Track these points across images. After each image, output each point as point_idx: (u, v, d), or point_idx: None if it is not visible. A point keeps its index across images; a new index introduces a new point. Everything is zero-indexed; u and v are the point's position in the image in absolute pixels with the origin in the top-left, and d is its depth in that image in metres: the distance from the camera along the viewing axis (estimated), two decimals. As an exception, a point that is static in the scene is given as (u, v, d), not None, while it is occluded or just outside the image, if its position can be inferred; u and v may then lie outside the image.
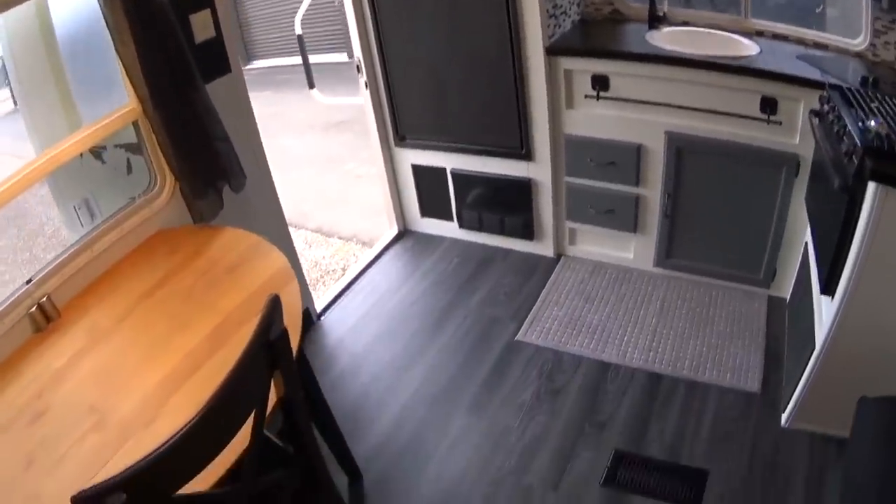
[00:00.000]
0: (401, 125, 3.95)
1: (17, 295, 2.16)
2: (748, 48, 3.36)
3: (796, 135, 3.06)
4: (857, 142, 2.20)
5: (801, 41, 3.54)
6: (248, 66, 9.96)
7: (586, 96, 3.43)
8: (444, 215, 4.18)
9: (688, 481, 2.63)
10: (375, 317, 3.71)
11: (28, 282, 2.22)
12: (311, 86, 4.02)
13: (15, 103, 2.85)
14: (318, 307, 3.78)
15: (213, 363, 1.76)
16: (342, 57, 7.62)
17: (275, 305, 1.52)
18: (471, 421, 2.99)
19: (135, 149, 2.67)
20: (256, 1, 10.38)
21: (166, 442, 1.26)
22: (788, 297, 3.41)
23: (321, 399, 2.54)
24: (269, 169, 3.20)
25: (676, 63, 3.20)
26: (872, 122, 2.30)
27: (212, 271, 2.32)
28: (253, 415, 1.51)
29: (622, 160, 3.50)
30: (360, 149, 4.06)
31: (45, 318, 2.18)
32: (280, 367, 1.58)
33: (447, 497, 2.70)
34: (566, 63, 3.40)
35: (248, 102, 3.02)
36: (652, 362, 3.20)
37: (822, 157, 2.58)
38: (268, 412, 1.59)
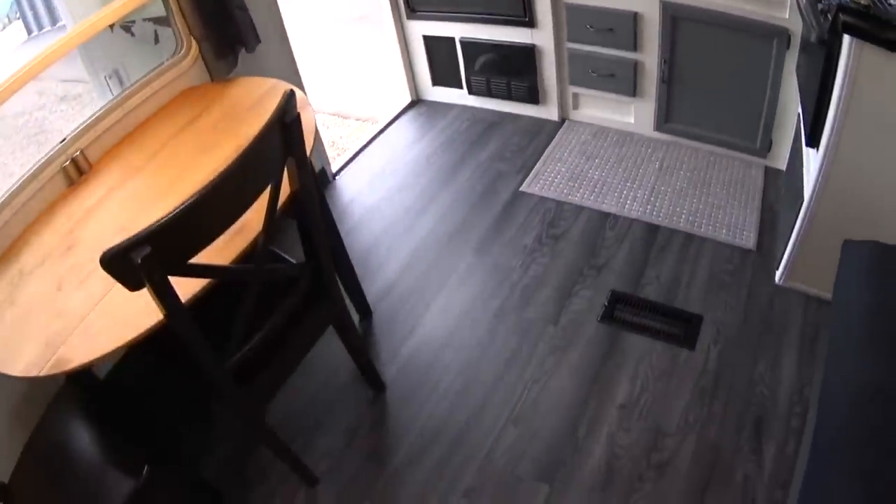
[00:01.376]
0: (410, -2, 4.02)
1: (52, 153, 2.29)
2: None
3: (786, 10, 3.05)
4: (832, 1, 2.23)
5: None
6: None
7: (586, -41, 3.45)
8: (455, 83, 4.26)
9: (682, 323, 2.76)
10: (391, 173, 3.86)
11: (62, 141, 2.33)
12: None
13: (28, 32, 2.90)
14: (334, 168, 3.92)
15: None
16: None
17: (290, 97, 1.61)
18: (477, 261, 3.16)
19: (161, 21, 2.76)
20: None
21: (189, 199, 1.39)
22: (785, 167, 3.45)
23: (336, 235, 2.71)
24: (286, 33, 3.28)
25: None
26: None
27: (234, 109, 2.46)
28: (269, 190, 1.65)
29: (620, 27, 3.54)
30: (379, 41, 4.10)
31: (77, 171, 2.32)
32: (293, 154, 1.70)
33: (452, 328, 2.88)
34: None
35: None
36: (650, 214, 3.32)
37: (807, 22, 2.59)
38: (282, 200, 1.73)
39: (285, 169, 1.72)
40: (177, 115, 2.53)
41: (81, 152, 2.33)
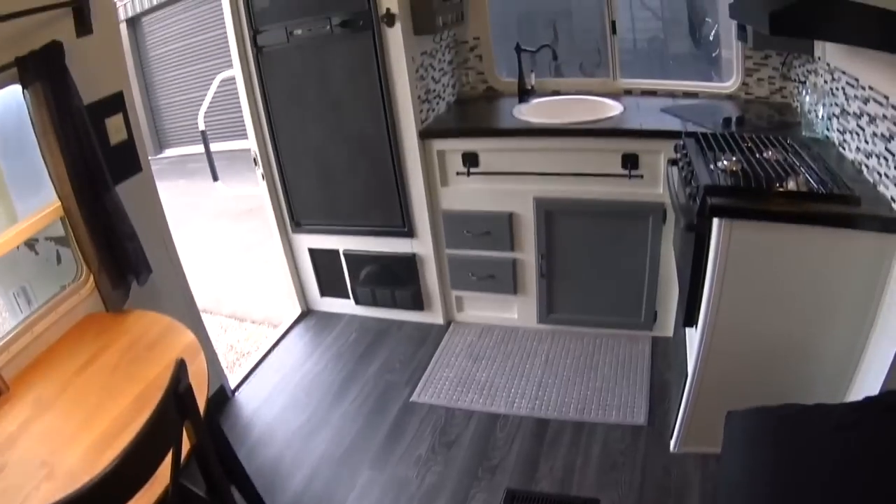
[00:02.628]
0: (296, 212, 4.06)
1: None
2: (612, 109, 3.57)
3: (660, 185, 3.24)
4: (701, 182, 2.33)
5: (671, 93, 3.82)
6: (160, 155, 9.86)
7: (458, 173, 3.60)
8: (342, 293, 4.26)
9: (579, 509, 2.69)
10: (285, 391, 3.72)
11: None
12: (215, 178, 4.10)
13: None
14: (233, 384, 3.79)
15: (138, 422, 1.87)
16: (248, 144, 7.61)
17: (181, 366, 1.72)
18: (373, 475, 3.01)
19: (62, 241, 2.75)
20: (167, 90, 10.38)
21: (93, 479, 1.41)
22: (672, 334, 3.52)
23: (235, 460, 2.67)
24: (179, 260, 3.26)
25: (537, 134, 3.40)
26: (724, 162, 2.46)
27: (133, 349, 2.43)
28: (170, 455, 1.69)
29: (496, 229, 3.66)
30: (268, 235, 4.18)
31: (-4, 391, 2.25)
32: (189, 417, 1.77)
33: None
34: (438, 144, 3.57)
35: (158, 198, 3.10)
36: (539, 409, 3.28)
37: (675, 204, 2.69)
38: (183, 458, 1.76)
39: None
40: (81, 344, 2.52)
41: (-1, 374, 2.28)
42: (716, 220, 2.27)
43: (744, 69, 3.58)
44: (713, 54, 3.96)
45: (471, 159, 3.55)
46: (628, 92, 3.96)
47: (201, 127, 4.04)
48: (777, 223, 2.21)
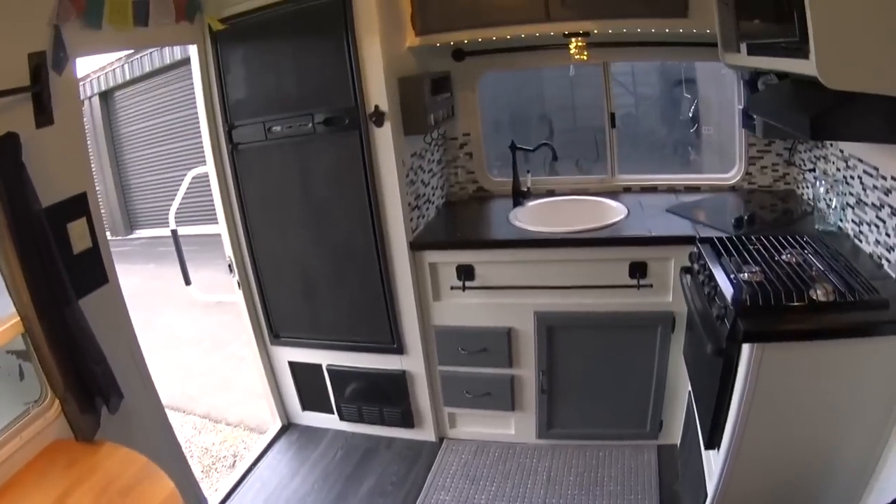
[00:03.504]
0: (275, 324, 3.64)
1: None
2: (615, 213, 3.29)
3: (669, 293, 2.98)
4: (729, 302, 2.11)
5: (672, 189, 3.58)
6: (131, 236, 9.45)
7: (452, 287, 3.23)
8: (325, 408, 3.81)
9: None
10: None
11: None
12: (188, 282, 3.68)
13: None
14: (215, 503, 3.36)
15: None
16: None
17: None
18: None
19: (24, 355, 2.41)
20: (139, 169, 10.00)
21: None
22: (679, 442, 3.23)
23: None
24: (153, 383, 2.87)
25: (538, 245, 3.09)
26: (745, 274, 2.23)
27: (106, 493, 2.10)
28: None
29: (494, 345, 3.28)
30: (241, 330, 3.82)
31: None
32: None
33: None
34: (430, 256, 3.21)
35: (126, 313, 2.72)
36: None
37: (694, 317, 2.50)
38: None
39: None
40: (49, 476, 2.19)
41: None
42: (746, 346, 2.04)
43: (747, 158, 3.40)
44: (691, 130, 3.84)
45: (466, 272, 3.18)
46: (628, 189, 3.69)
47: (172, 226, 3.63)
48: (810, 341, 2.04)
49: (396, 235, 3.16)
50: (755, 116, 2.94)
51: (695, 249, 2.65)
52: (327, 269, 3.36)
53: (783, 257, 2.38)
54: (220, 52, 3.25)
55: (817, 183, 2.87)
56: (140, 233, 9.18)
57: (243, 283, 3.58)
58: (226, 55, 3.24)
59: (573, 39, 3.28)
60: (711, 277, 2.34)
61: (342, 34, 2.95)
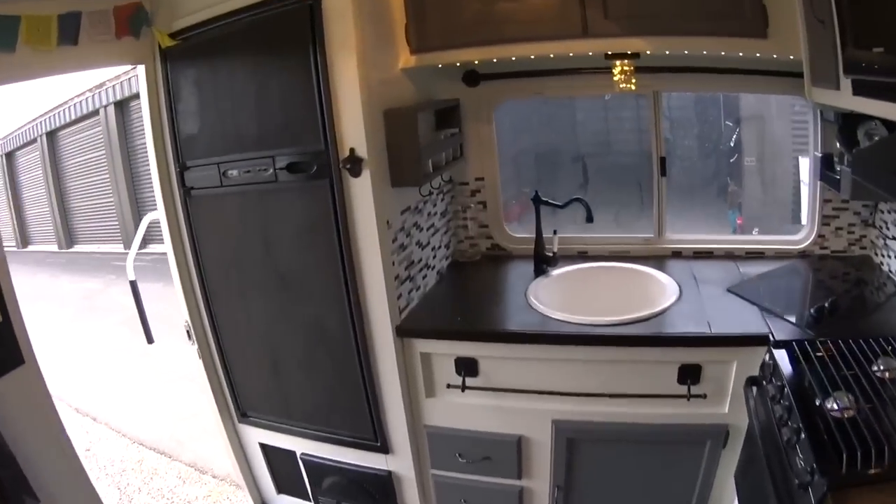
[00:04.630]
0: (241, 401, 2.91)
1: None
2: (663, 292, 2.51)
3: (725, 403, 2.23)
4: (815, 467, 1.50)
5: (730, 255, 2.86)
6: (145, 250, 9.21)
7: (449, 385, 2.45)
8: (302, 496, 3.07)
9: None
10: None
11: None
12: (150, 340, 3.00)
13: None
14: None
15: None
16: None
17: None
18: None
19: None
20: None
21: None
22: None
23: None
24: (88, 478, 2.25)
25: (562, 341, 2.30)
26: (835, 405, 1.65)
27: None
28: None
29: (499, 455, 2.52)
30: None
31: None
32: None
33: None
34: (422, 345, 2.43)
35: (50, 399, 2.14)
36: None
37: (758, 442, 1.93)
38: None
39: None
40: None
41: None
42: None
43: (821, 217, 2.75)
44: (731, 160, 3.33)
45: (467, 367, 2.40)
46: (678, 254, 2.92)
47: (130, 276, 2.94)
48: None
49: (379, 317, 2.38)
50: (842, 171, 2.26)
51: (767, 358, 2.01)
52: (297, 349, 2.61)
53: (878, 369, 1.80)
54: (169, 75, 2.52)
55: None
56: (154, 247, 8.79)
57: (204, 353, 2.85)
58: (177, 78, 2.54)
59: (618, 62, 2.46)
60: (790, 408, 1.75)
61: (308, 53, 2.19)
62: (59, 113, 10.81)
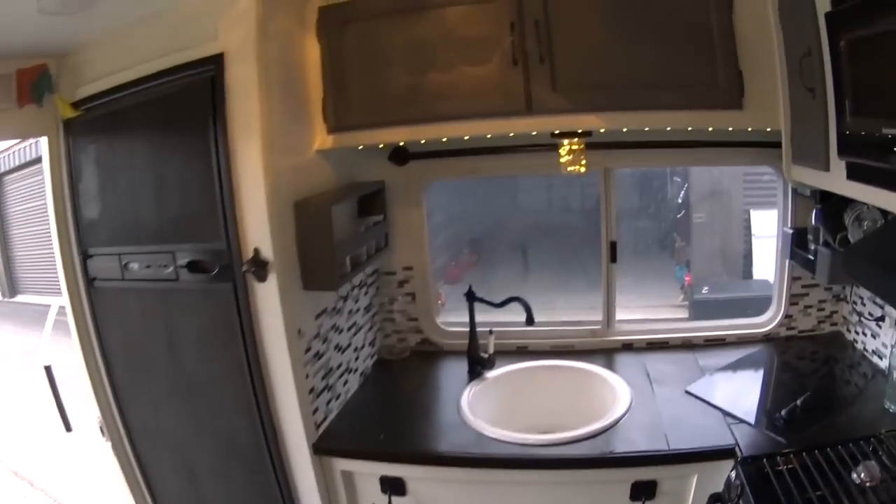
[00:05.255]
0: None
1: None
2: (613, 399, 2.21)
3: None
4: None
5: (688, 344, 2.60)
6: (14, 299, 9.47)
7: (374, 506, 2.12)
8: None
9: None
10: None
11: None
12: (68, 429, 2.69)
13: None
14: None
15: None
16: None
17: None
18: None
19: None
20: (26, 243, 9.87)
21: None
22: None
23: None
24: None
25: (498, 465, 1.99)
26: None
27: None
28: None
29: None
30: None
31: None
32: None
33: None
34: (343, 464, 2.11)
35: None
36: None
37: None
38: None
39: None
40: None
41: None
42: None
43: (788, 297, 2.49)
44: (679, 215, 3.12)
45: (393, 486, 2.07)
46: (628, 346, 2.60)
47: (45, 361, 2.63)
48: None
49: (294, 432, 2.06)
50: (819, 252, 2.02)
51: (734, 476, 1.73)
52: (211, 459, 2.29)
53: (857, 480, 1.58)
54: (71, 150, 2.22)
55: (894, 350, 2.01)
56: (21, 298, 8.90)
57: (118, 451, 2.54)
58: (78, 155, 2.26)
59: (566, 141, 2.15)
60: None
61: (209, 134, 1.89)
62: (4, 157, 10.32)
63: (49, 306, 5.30)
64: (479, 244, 3.06)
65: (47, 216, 2.39)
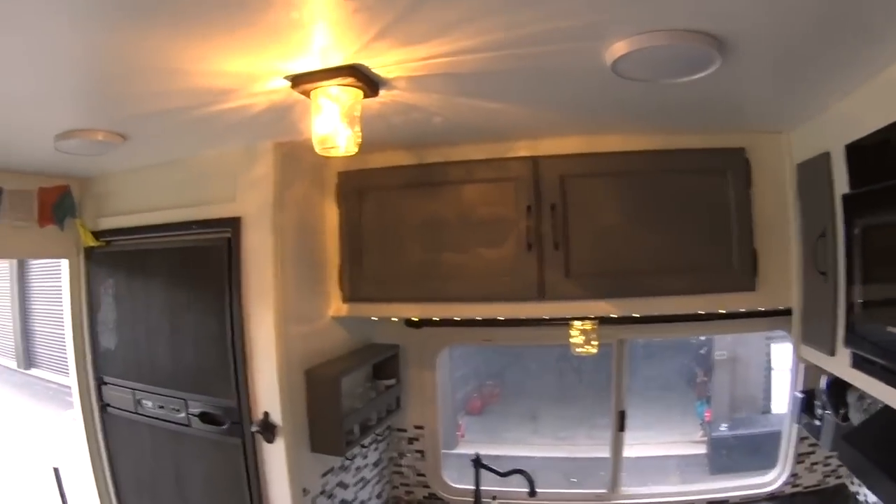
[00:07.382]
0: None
1: None
2: None
3: None
4: None
5: None
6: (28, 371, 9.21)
7: None
8: None
9: None
10: None
11: None
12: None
13: None
14: None
15: None
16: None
17: None
18: None
19: None
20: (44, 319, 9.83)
21: None
22: None
23: None
24: None
25: None
26: None
27: None
28: None
29: None
30: None
31: None
32: None
33: None
34: None
35: None
36: None
37: None
38: None
39: None
40: None
41: None
42: None
43: (795, 456, 2.38)
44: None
45: None
46: None
47: (55, 463, 2.61)
48: None
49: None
50: (825, 420, 1.98)
51: None
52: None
53: None
54: (90, 278, 2.20)
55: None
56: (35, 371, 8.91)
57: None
58: (97, 285, 2.22)
59: (577, 322, 2.12)
60: None
61: (224, 293, 1.87)
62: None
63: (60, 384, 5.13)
64: (502, 375, 2.99)
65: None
